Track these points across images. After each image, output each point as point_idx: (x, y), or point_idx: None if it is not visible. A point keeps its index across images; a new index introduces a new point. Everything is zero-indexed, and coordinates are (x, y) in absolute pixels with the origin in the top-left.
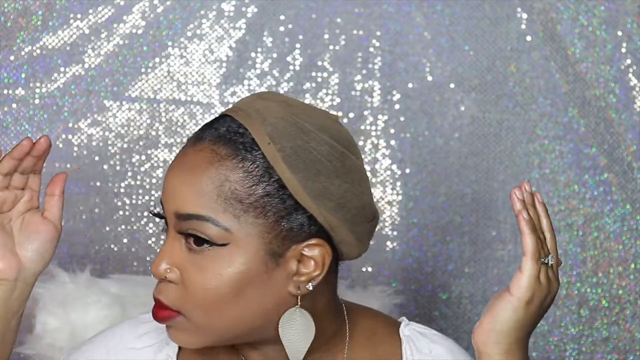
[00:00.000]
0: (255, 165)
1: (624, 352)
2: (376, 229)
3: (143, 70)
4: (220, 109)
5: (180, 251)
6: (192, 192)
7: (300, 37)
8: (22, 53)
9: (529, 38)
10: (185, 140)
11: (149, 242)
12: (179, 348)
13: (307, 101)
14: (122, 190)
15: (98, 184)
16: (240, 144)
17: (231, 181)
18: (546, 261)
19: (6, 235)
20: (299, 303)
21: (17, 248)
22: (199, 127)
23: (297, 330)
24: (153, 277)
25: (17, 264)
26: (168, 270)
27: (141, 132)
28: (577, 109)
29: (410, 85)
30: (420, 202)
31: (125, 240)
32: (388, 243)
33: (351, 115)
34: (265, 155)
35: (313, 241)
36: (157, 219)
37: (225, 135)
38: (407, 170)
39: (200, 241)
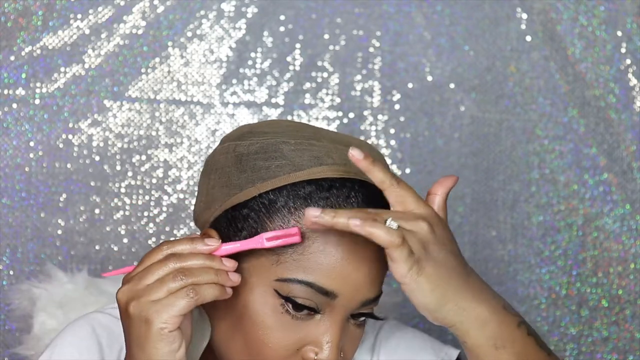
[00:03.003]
0: None
1: (623, 352)
2: None
3: (143, 70)
4: (220, 109)
5: (344, 332)
6: (382, 274)
7: (300, 37)
8: (22, 53)
9: (529, 38)
10: (185, 140)
11: (149, 242)
12: None
13: (307, 101)
14: (122, 190)
15: (98, 184)
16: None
17: None
18: (391, 225)
19: None
20: None
21: None
22: (199, 127)
23: (193, 328)
24: None
25: None
26: (341, 354)
27: (141, 132)
28: (577, 109)
29: (410, 85)
30: None
31: (125, 240)
32: None
33: (351, 115)
34: None
35: None
36: None
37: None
38: (407, 170)
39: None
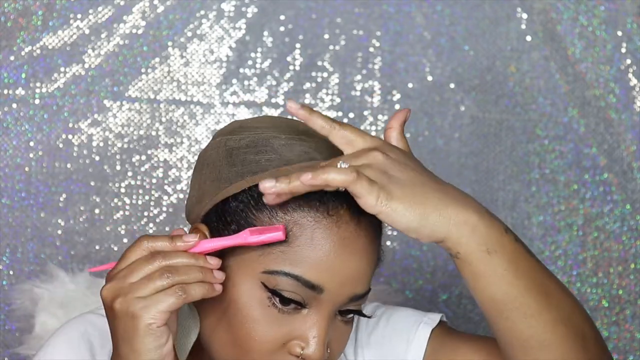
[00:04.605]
0: None
1: (624, 352)
2: None
3: (143, 70)
4: (220, 109)
5: (331, 327)
6: (371, 270)
7: (300, 37)
8: (22, 53)
9: (529, 38)
10: (185, 140)
11: None
12: None
13: (307, 101)
14: (122, 190)
15: (98, 184)
16: None
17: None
18: (341, 166)
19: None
20: None
21: None
22: (199, 127)
23: (182, 321)
24: None
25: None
26: (328, 351)
27: (141, 132)
28: (577, 109)
29: (410, 85)
30: None
31: (125, 240)
32: (388, 243)
33: (351, 115)
34: None
35: None
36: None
37: None
38: None
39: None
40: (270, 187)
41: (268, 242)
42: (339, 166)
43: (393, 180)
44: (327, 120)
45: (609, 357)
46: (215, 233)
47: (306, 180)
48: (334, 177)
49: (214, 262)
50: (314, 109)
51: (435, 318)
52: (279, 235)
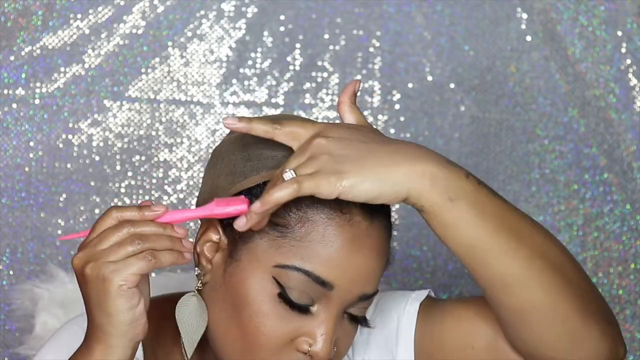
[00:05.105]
0: None
1: None
2: None
3: (143, 70)
4: (220, 109)
5: (339, 326)
6: (380, 271)
7: (300, 37)
8: (22, 53)
9: (529, 38)
10: (185, 140)
11: None
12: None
13: (307, 101)
14: (122, 190)
15: (98, 184)
16: None
17: None
18: (286, 176)
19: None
20: (198, 287)
21: None
22: (199, 127)
23: (191, 314)
24: None
25: None
26: (334, 349)
27: (141, 132)
28: (577, 109)
29: (410, 85)
30: None
31: None
32: None
33: None
34: None
35: None
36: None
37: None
38: None
39: None
40: (245, 224)
41: (233, 215)
42: (284, 175)
43: (339, 160)
44: (267, 123)
45: (597, 294)
46: (227, 227)
47: (258, 210)
48: (280, 195)
49: (182, 231)
50: (314, 108)
51: (422, 293)
52: (243, 207)
